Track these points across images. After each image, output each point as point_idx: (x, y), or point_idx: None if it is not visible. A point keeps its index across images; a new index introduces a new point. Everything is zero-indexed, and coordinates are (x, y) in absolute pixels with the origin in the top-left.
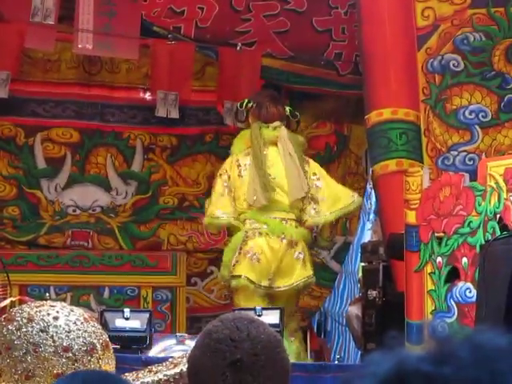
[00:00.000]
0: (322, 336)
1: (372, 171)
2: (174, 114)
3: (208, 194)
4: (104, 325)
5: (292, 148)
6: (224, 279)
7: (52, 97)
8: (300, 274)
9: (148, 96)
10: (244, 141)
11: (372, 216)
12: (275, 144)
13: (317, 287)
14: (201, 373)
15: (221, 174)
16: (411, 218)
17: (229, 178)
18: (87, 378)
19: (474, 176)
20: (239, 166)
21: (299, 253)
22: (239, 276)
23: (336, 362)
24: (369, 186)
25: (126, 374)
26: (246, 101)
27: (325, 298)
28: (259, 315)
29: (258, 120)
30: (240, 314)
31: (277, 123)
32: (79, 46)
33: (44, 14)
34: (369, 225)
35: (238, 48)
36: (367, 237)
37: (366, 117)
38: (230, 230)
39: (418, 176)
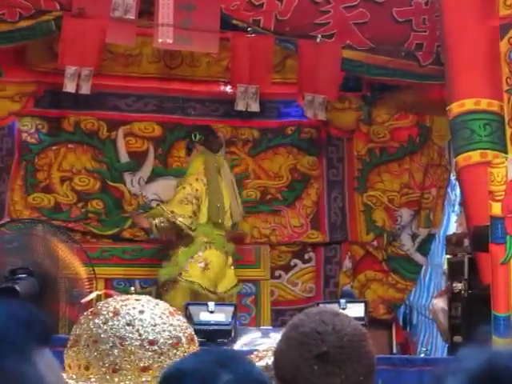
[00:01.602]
0: (408, 329)
1: (455, 162)
2: (255, 108)
3: (290, 186)
4: (189, 318)
5: (232, 175)
6: (169, 276)
7: (133, 91)
8: (233, 279)
9: (228, 89)
10: (199, 163)
11: (457, 208)
12: (219, 171)
13: (401, 280)
14: (287, 366)
15: (187, 186)
16: (496, 209)
17: (196, 190)
18: (221, 357)
19: None
20: (204, 184)
21: (231, 263)
22: (192, 281)
23: (422, 356)
24: (453, 178)
25: None
26: (198, 134)
27: (410, 291)
28: (343, 308)
29: (210, 150)
30: (324, 307)
31: (220, 152)
32: (159, 40)
33: (124, 9)
34: (454, 217)
35: (318, 40)
36: (453, 229)
37: (447, 108)
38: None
39: (503, 167)
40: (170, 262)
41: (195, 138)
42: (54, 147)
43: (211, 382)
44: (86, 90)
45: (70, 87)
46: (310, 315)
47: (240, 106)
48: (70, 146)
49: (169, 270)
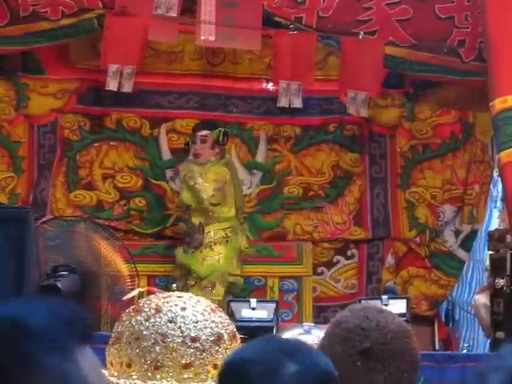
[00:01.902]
0: (450, 325)
1: (498, 159)
2: (297, 104)
3: (332, 183)
4: (231, 315)
5: None
6: (218, 273)
7: (175, 88)
8: None
9: (271, 86)
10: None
11: (499, 203)
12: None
13: (444, 276)
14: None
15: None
16: None
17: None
18: (286, 346)
19: None
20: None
21: None
22: (239, 275)
23: (464, 352)
24: (495, 174)
25: None
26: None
27: (452, 287)
28: (386, 305)
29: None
30: (368, 304)
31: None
32: (202, 37)
33: (167, 7)
34: (496, 213)
35: (360, 37)
36: (495, 225)
37: (490, 104)
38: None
39: None
40: (206, 258)
41: (231, 133)
42: (96, 144)
43: (276, 372)
44: (128, 88)
45: (112, 85)
46: (354, 311)
47: (282, 103)
48: (112, 143)
49: (216, 267)
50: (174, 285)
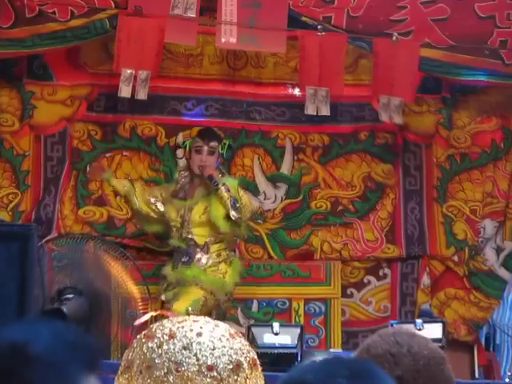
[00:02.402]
0: (491, 350)
1: None
2: (325, 112)
3: (363, 197)
4: (251, 341)
5: None
6: (230, 294)
7: (194, 94)
8: None
9: (297, 92)
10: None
11: None
12: None
13: (484, 297)
14: None
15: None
16: None
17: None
18: (353, 370)
19: None
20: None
21: None
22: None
23: (507, 380)
24: None
25: None
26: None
27: (493, 309)
28: (419, 329)
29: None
30: (400, 328)
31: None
32: (222, 39)
33: (185, 7)
34: None
35: (394, 38)
36: None
37: None
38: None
39: None
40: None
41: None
42: (108, 154)
43: None
44: (142, 95)
45: (124, 92)
46: (384, 336)
47: (310, 110)
48: (125, 153)
49: (223, 282)
50: (190, 308)
